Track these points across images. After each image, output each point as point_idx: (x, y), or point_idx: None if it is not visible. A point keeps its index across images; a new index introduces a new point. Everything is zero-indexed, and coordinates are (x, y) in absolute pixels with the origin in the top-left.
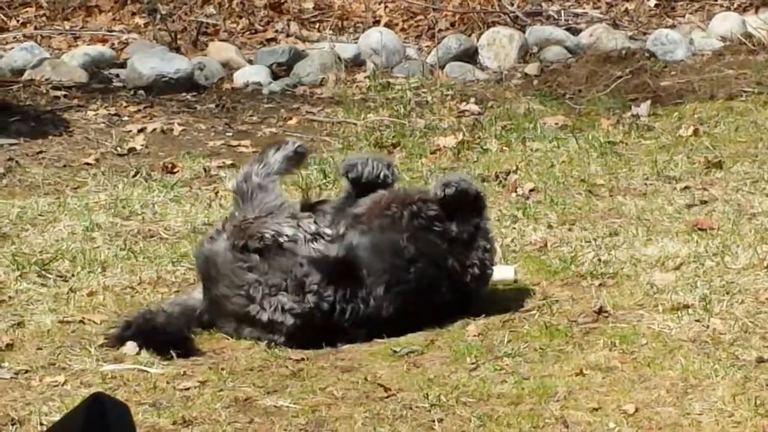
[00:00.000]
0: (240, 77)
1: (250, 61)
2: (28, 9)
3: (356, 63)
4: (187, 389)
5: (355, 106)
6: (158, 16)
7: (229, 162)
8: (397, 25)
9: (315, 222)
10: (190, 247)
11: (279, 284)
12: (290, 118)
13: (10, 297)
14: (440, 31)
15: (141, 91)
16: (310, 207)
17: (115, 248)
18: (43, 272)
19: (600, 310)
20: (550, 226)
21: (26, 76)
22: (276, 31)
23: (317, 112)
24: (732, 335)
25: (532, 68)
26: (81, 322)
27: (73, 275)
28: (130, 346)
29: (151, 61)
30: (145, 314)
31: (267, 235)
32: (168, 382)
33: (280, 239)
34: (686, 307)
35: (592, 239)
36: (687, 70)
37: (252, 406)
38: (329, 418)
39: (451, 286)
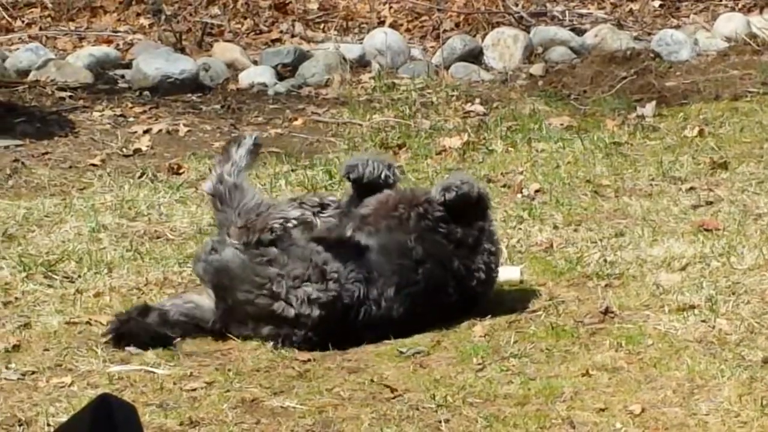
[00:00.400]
0: (245, 78)
1: (255, 62)
2: (33, 10)
3: (361, 64)
4: (194, 390)
5: (361, 107)
6: (163, 17)
7: None
8: (401, 25)
9: (316, 195)
10: (196, 248)
11: (302, 274)
12: (295, 119)
13: (16, 298)
14: (445, 31)
15: (146, 92)
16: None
17: (122, 249)
18: (50, 273)
19: (606, 311)
20: (555, 227)
21: (31, 77)
22: (281, 31)
23: (322, 112)
24: (738, 336)
25: (537, 69)
26: (87, 323)
27: (79, 276)
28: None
29: (156, 61)
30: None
31: (276, 225)
32: (175, 383)
33: (289, 224)
34: (692, 307)
35: (597, 240)
36: (692, 70)
37: (259, 406)
38: (336, 419)
39: (457, 287)
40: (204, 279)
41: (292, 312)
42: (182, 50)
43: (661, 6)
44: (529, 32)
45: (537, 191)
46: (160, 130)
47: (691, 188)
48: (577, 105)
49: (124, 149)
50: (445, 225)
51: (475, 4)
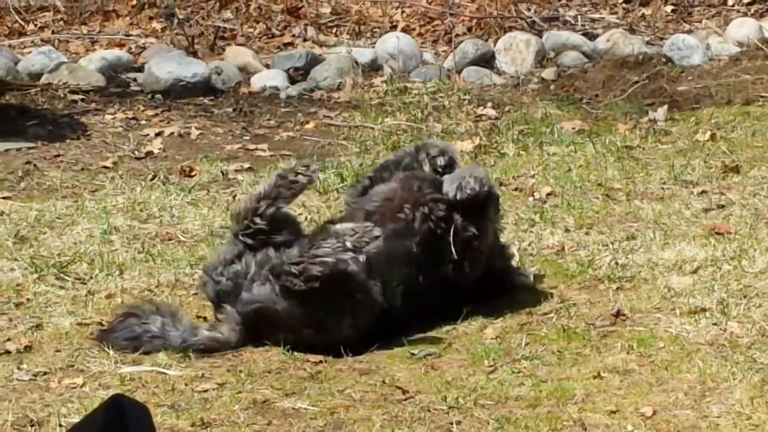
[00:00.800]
0: (257, 81)
1: (268, 66)
2: (45, 13)
3: (373, 68)
4: (206, 391)
5: (373, 111)
6: (176, 21)
7: (246, 165)
8: (414, 29)
9: (353, 230)
10: (207, 250)
11: (346, 310)
12: (307, 122)
13: (28, 299)
14: (457, 36)
15: (158, 95)
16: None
17: (133, 251)
18: (62, 275)
19: (617, 314)
20: (567, 230)
21: (44, 80)
22: (293, 35)
23: (334, 116)
24: (749, 338)
25: (549, 73)
26: (99, 324)
27: (91, 278)
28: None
29: (168, 65)
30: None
31: (327, 271)
32: (186, 384)
33: (343, 266)
34: (704, 310)
35: (609, 243)
36: (704, 75)
37: (270, 408)
38: (347, 421)
39: (455, 287)
40: (243, 318)
41: (335, 337)
42: (194, 54)
43: (673, 11)
44: (541, 37)
45: (549, 194)
46: (172, 133)
47: (703, 192)
48: (588, 109)
49: (136, 152)
50: (446, 225)
51: (488, 9)
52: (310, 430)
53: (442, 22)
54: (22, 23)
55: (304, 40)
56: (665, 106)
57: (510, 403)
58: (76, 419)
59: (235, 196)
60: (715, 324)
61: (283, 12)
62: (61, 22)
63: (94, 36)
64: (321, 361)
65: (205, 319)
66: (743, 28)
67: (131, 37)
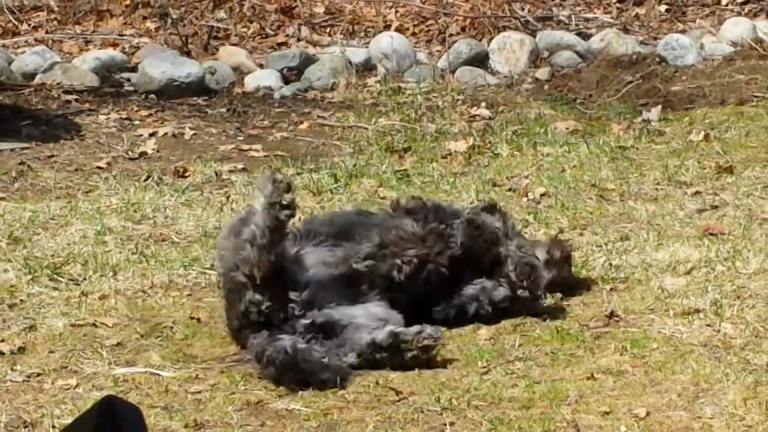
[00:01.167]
0: (251, 81)
1: (261, 66)
2: (39, 13)
3: (367, 67)
4: (199, 392)
5: (366, 111)
6: (169, 21)
7: (240, 166)
8: (407, 29)
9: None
10: (201, 251)
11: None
12: (301, 123)
13: (22, 300)
14: (451, 35)
15: (152, 96)
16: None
17: (127, 252)
18: (55, 276)
19: (611, 315)
20: (561, 231)
21: (37, 80)
22: (287, 35)
23: (328, 116)
24: (743, 339)
25: (542, 73)
26: (93, 325)
27: (84, 279)
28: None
29: (162, 65)
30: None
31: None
32: (180, 386)
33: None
34: (697, 311)
35: (603, 244)
36: (698, 75)
37: (264, 409)
38: (341, 422)
39: None
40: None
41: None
42: (188, 54)
43: (667, 10)
44: (535, 36)
45: (542, 195)
46: (166, 134)
47: (697, 192)
48: (582, 109)
49: (129, 152)
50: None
51: (481, 9)
52: None
53: (435, 21)
54: (16, 23)
55: (298, 39)
56: (659, 106)
57: (503, 404)
58: (69, 420)
59: (229, 197)
60: (708, 325)
61: (277, 12)
62: (55, 22)
63: (88, 36)
64: None
65: (198, 320)
66: (737, 28)
67: (125, 37)
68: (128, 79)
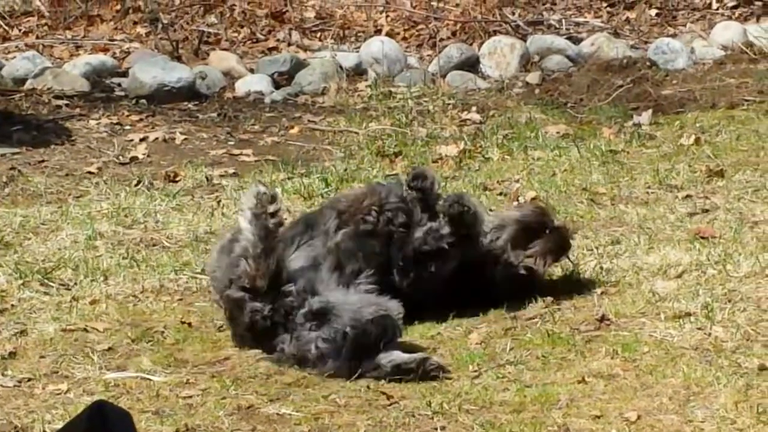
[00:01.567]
0: (242, 86)
1: (252, 70)
2: (30, 18)
3: (358, 72)
4: (190, 397)
5: (357, 115)
6: (160, 26)
7: (231, 171)
8: (398, 34)
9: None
10: (192, 255)
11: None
12: (292, 127)
13: (12, 305)
14: (441, 40)
15: (143, 100)
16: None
17: (118, 257)
18: (46, 281)
19: (602, 318)
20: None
21: (28, 85)
22: (277, 40)
23: (319, 121)
24: (734, 343)
25: (533, 77)
26: (84, 330)
27: (75, 284)
28: None
29: (152, 70)
30: None
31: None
32: (171, 390)
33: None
34: (688, 315)
35: (594, 247)
36: (688, 79)
37: (255, 413)
38: (332, 426)
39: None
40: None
41: None
42: (179, 59)
43: (657, 15)
44: (525, 41)
45: (533, 199)
46: (157, 138)
47: (688, 196)
48: (573, 113)
49: (120, 157)
50: (405, 230)
51: (472, 13)
52: None
53: (426, 26)
54: (7, 28)
55: (289, 44)
56: (650, 110)
57: (494, 408)
58: (60, 425)
59: (220, 201)
60: (699, 328)
61: (268, 16)
62: (46, 27)
63: (79, 41)
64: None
65: (189, 325)
66: (728, 32)
67: (115, 42)
68: (119, 84)
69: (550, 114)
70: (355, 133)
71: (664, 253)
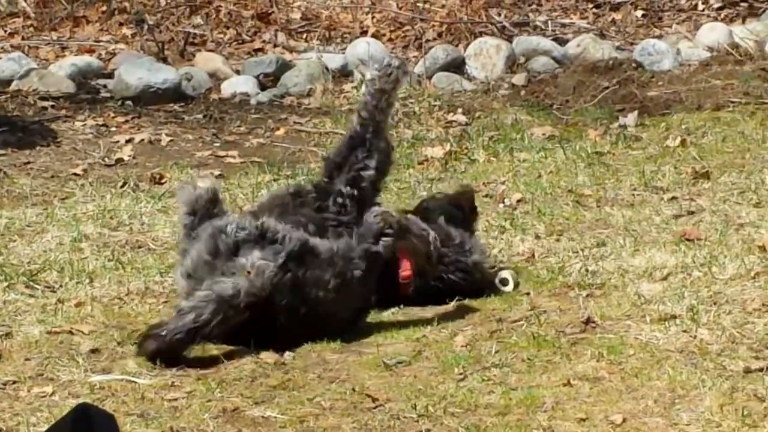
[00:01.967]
0: (227, 88)
1: (238, 72)
2: (15, 19)
3: (344, 73)
4: (175, 400)
5: (343, 117)
6: (145, 27)
7: (217, 172)
8: (384, 35)
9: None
10: (178, 257)
11: None
12: (278, 129)
13: None
14: (427, 41)
15: (128, 102)
16: None
17: (103, 259)
18: (31, 283)
19: (587, 321)
20: (537, 237)
21: (13, 86)
22: (263, 41)
23: (305, 122)
24: (719, 346)
25: (519, 79)
26: (69, 332)
27: (61, 286)
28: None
29: (138, 71)
30: None
31: None
32: (156, 393)
33: None
34: (674, 317)
35: (579, 250)
36: (674, 80)
37: (240, 416)
38: (317, 429)
39: None
40: None
41: None
42: (164, 60)
43: (643, 16)
44: (511, 42)
45: (519, 201)
46: (143, 140)
47: (673, 198)
48: (559, 115)
49: (106, 159)
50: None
51: (458, 14)
52: None
53: (412, 27)
54: None
55: (275, 45)
56: (635, 112)
57: (480, 411)
58: (45, 428)
59: None
60: (685, 331)
61: (253, 18)
62: (31, 28)
63: (64, 42)
64: (291, 369)
65: None
66: (713, 33)
67: (101, 43)
68: (105, 86)
69: (535, 115)
70: (342, 134)
71: (649, 256)
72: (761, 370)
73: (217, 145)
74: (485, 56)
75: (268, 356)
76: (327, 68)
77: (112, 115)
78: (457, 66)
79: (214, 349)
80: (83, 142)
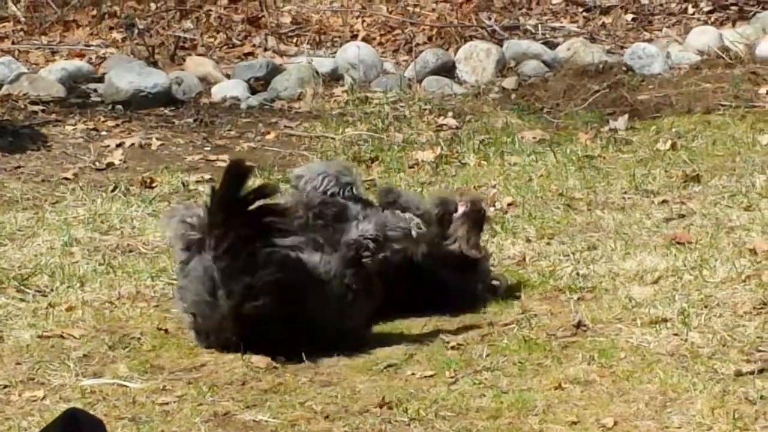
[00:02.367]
0: (218, 92)
1: (228, 76)
2: (5, 24)
3: (334, 77)
4: (167, 404)
5: (333, 121)
6: (136, 31)
7: (207, 176)
8: (374, 39)
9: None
10: (168, 261)
11: None
12: (268, 133)
13: None
14: (418, 45)
15: (119, 106)
16: None
17: (94, 263)
18: (22, 287)
19: (578, 324)
20: (528, 240)
21: (4, 90)
22: (253, 45)
23: (295, 126)
24: (710, 349)
25: (509, 82)
26: (60, 336)
27: (51, 290)
28: None
29: (128, 75)
30: None
31: None
32: (147, 397)
33: None
34: (664, 320)
35: (570, 253)
36: (664, 83)
37: (231, 420)
38: None
39: None
40: None
41: None
42: (155, 64)
43: (633, 19)
44: (501, 46)
45: (510, 205)
46: (133, 144)
47: (664, 201)
48: (549, 118)
49: (96, 163)
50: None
51: (448, 18)
52: None
53: (402, 31)
54: None
55: (265, 49)
56: (626, 115)
57: (471, 415)
58: None
59: None
60: (676, 334)
61: (244, 22)
62: (22, 33)
63: (55, 46)
64: (282, 373)
65: (166, 331)
66: (703, 37)
67: (91, 48)
68: (95, 90)
69: (526, 119)
70: (332, 138)
71: (640, 259)
72: (752, 373)
73: (208, 149)
74: (475, 60)
75: (259, 360)
76: (317, 72)
77: (103, 119)
78: (447, 70)
79: (205, 354)
80: (74, 147)
